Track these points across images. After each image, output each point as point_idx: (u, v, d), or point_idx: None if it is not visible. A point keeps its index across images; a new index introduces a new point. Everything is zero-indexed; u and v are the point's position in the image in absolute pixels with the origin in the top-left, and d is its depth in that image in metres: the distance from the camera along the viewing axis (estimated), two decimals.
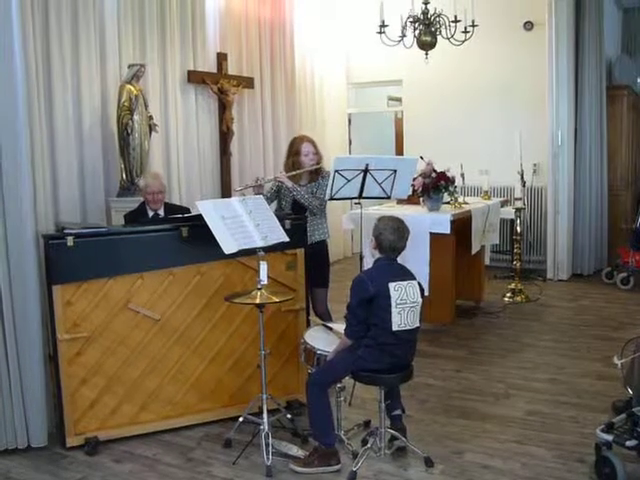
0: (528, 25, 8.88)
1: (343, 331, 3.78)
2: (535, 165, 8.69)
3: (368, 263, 3.93)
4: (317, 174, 5.05)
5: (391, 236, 3.71)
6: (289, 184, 4.95)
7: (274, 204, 5.15)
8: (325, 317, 5.00)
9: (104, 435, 4.13)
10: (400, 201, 6.75)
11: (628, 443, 3.40)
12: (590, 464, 3.66)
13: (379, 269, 3.75)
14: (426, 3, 6.93)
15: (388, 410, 3.93)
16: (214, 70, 7.37)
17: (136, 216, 5.12)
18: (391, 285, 3.61)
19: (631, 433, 3.48)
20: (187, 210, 5.03)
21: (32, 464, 3.92)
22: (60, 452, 4.05)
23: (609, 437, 3.49)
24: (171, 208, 5.24)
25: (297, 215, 4.77)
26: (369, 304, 3.63)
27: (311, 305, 4.95)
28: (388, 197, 4.99)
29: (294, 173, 4.98)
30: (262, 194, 4.93)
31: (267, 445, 3.79)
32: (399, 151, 10.62)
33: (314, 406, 3.75)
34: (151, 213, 5.19)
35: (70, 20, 5.68)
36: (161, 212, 5.20)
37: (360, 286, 3.67)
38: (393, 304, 3.60)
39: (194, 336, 4.34)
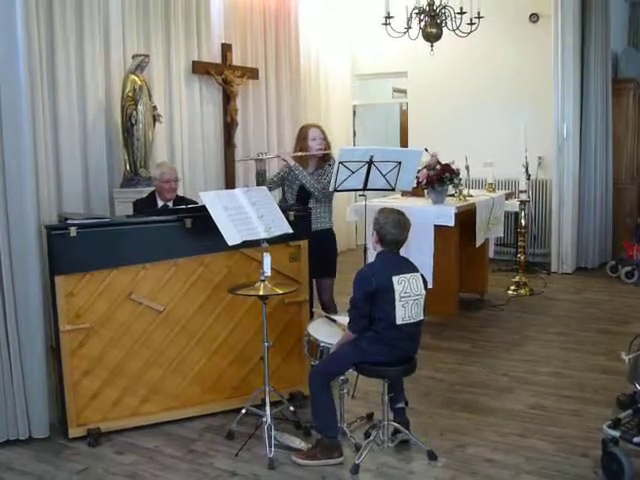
0: (534, 17, 8.85)
1: (347, 324, 3.76)
2: (540, 158, 8.67)
3: (372, 255, 3.91)
4: (324, 161, 5.01)
5: (393, 230, 3.67)
6: (291, 162, 4.91)
7: (277, 192, 5.12)
8: (330, 306, 4.99)
9: (106, 426, 4.13)
10: (404, 193, 6.74)
11: (635, 439, 3.37)
12: (593, 458, 3.65)
13: (382, 262, 3.72)
14: None
15: (391, 403, 3.90)
16: (219, 61, 7.33)
17: (145, 205, 5.10)
18: (394, 278, 3.59)
19: (638, 429, 3.45)
20: (197, 203, 5.00)
21: (34, 455, 3.92)
22: (62, 443, 4.05)
23: (616, 433, 3.46)
24: (181, 200, 5.20)
25: (301, 205, 4.75)
26: (372, 298, 3.60)
27: (316, 294, 4.93)
28: (392, 189, 4.97)
29: (300, 154, 4.95)
30: (264, 170, 4.93)
31: (270, 437, 3.78)
32: (404, 143, 10.61)
33: (317, 398, 3.74)
34: (161, 204, 5.16)
35: (74, 10, 5.64)
36: (170, 204, 5.17)
37: (363, 280, 3.65)
38: (397, 297, 3.57)
39: (197, 328, 4.33)
